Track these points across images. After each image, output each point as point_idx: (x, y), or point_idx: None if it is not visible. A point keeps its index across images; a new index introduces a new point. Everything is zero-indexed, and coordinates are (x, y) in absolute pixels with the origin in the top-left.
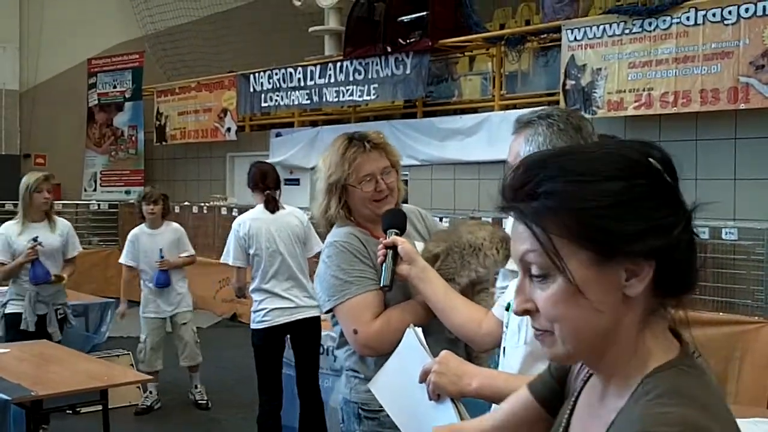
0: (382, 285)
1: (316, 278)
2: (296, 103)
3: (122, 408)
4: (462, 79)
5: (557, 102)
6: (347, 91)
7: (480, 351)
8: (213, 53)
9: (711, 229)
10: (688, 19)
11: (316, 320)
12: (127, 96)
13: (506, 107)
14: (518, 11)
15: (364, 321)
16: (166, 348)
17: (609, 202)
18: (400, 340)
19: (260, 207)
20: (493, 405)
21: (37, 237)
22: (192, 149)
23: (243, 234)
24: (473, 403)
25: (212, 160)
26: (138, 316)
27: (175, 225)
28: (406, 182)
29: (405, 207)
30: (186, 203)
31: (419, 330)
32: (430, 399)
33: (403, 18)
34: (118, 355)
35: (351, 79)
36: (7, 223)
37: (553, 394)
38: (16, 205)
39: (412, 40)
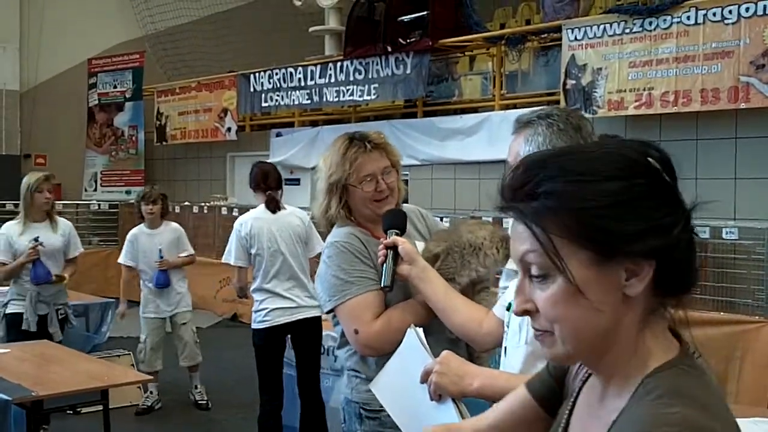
0: (382, 285)
1: (317, 278)
2: (296, 102)
3: (123, 408)
4: (462, 79)
5: (558, 102)
6: (347, 90)
7: (481, 351)
8: (213, 53)
9: (711, 229)
10: (688, 18)
11: (317, 320)
12: (127, 96)
13: (507, 107)
14: (518, 11)
15: (364, 321)
16: (166, 348)
17: (609, 202)
18: (400, 340)
19: (262, 207)
20: (494, 405)
21: (38, 237)
22: (192, 149)
23: (245, 234)
24: (474, 403)
25: (212, 160)
26: (138, 316)
27: (174, 225)
28: (406, 182)
29: (405, 207)
30: (186, 203)
31: (420, 330)
32: (432, 399)
33: (404, 18)
34: (118, 356)
35: (351, 78)
36: (8, 223)
37: (552, 393)
38: (16, 205)
39: (412, 39)
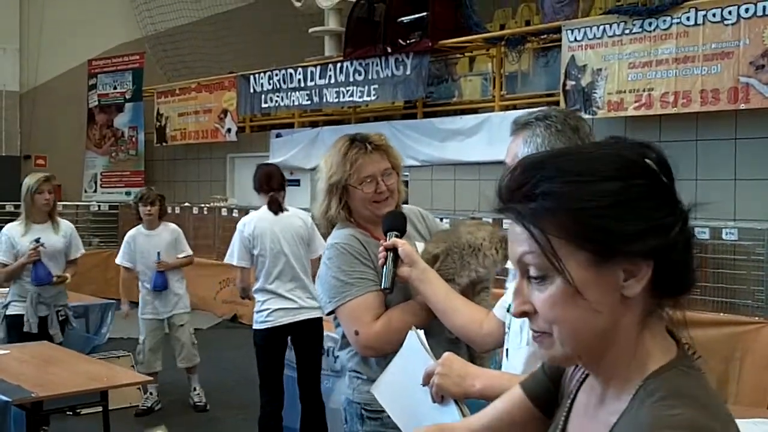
0: (383, 287)
1: (317, 280)
2: (296, 103)
3: (122, 409)
4: (462, 80)
5: (557, 102)
6: (347, 91)
7: (481, 351)
8: (213, 54)
9: (711, 230)
10: (688, 19)
11: (318, 321)
12: (127, 97)
13: (506, 108)
14: (518, 12)
15: (365, 322)
16: (166, 349)
17: (608, 202)
18: (401, 341)
19: (265, 208)
20: (490, 405)
21: (39, 238)
22: (192, 150)
23: (248, 234)
24: (476, 404)
25: (212, 161)
26: (138, 317)
27: (173, 226)
28: (406, 183)
29: (405, 207)
30: (186, 204)
31: (421, 332)
32: (434, 401)
33: (403, 19)
34: (118, 357)
35: (351, 79)
36: (10, 224)
37: (547, 393)
38: (16, 207)
39: (412, 40)
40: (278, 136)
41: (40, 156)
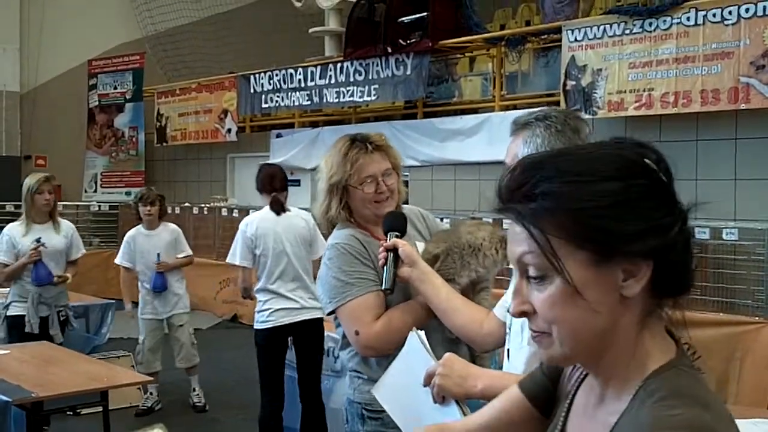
0: (384, 288)
1: (318, 280)
2: (297, 104)
3: (123, 409)
4: (462, 80)
5: (558, 103)
6: (347, 91)
7: (481, 351)
8: (213, 54)
9: (711, 230)
10: (688, 19)
11: (319, 322)
12: (127, 97)
13: (506, 108)
14: (518, 12)
15: (365, 322)
16: (165, 349)
17: (608, 202)
18: (401, 341)
19: (267, 208)
20: (488, 404)
21: (40, 238)
22: (192, 150)
23: (250, 234)
24: (477, 404)
25: (212, 161)
26: (137, 317)
27: (172, 226)
28: (406, 183)
29: (406, 208)
30: (186, 204)
31: (422, 333)
32: (435, 402)
33: (404, 19)
34: (118, 357)
35: (351, 79)
36: (11, 224)
37: (546, 393)
38: (16, 207)
39: (412, 40)
40: (278, 136)
41: (40, 156)
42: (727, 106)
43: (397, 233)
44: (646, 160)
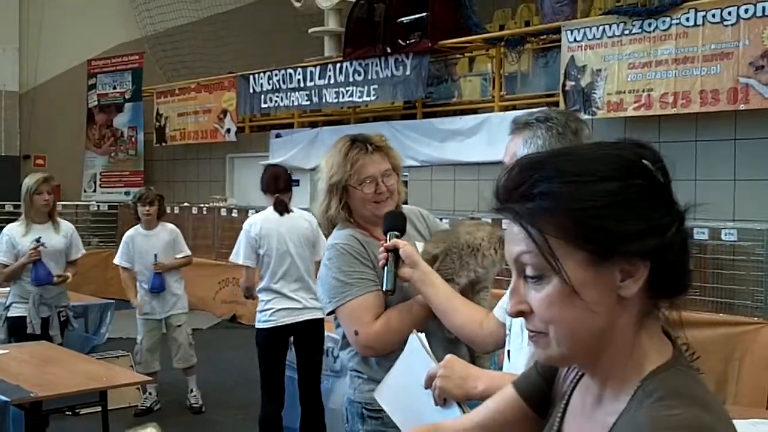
0: (385, 289)
1: (318, 280)
2: (296, 104)
3: (121, 409)
4: (462, 80)
5: (557, 103)
6: (347, 92)
7: (481, 352)
8: (213, 54)
9: (711, 230)
10: (687, 19)
11: (320, 322)
12: (126, 97)
13: (506, 108)
14: (518, 12)
15: (364, 322)
16: (164, 349)
17: (607, 202)
18: (400, 341)
19: (270, 209)
20: (482, 404)
21: (40, 237)
22: (192, 150)
23: (254, 234)
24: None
25: (212, 161)
26: (136, 317)
27: (171, 226)
28: (406, 183)
29: (405, 208)
30: (185, 204)
31: (423, 335)
32: (436, 404)
33: (403, 19)
34: (117, 357)
35: (351, 80)
36: (11, 225)
37: (540, 393)
38: (15, 207)
39: (411, 41)
40: (278, 136)
41: (39, 156)
42: (726, 107)
43: (396, 233)
44: (644, 161)
